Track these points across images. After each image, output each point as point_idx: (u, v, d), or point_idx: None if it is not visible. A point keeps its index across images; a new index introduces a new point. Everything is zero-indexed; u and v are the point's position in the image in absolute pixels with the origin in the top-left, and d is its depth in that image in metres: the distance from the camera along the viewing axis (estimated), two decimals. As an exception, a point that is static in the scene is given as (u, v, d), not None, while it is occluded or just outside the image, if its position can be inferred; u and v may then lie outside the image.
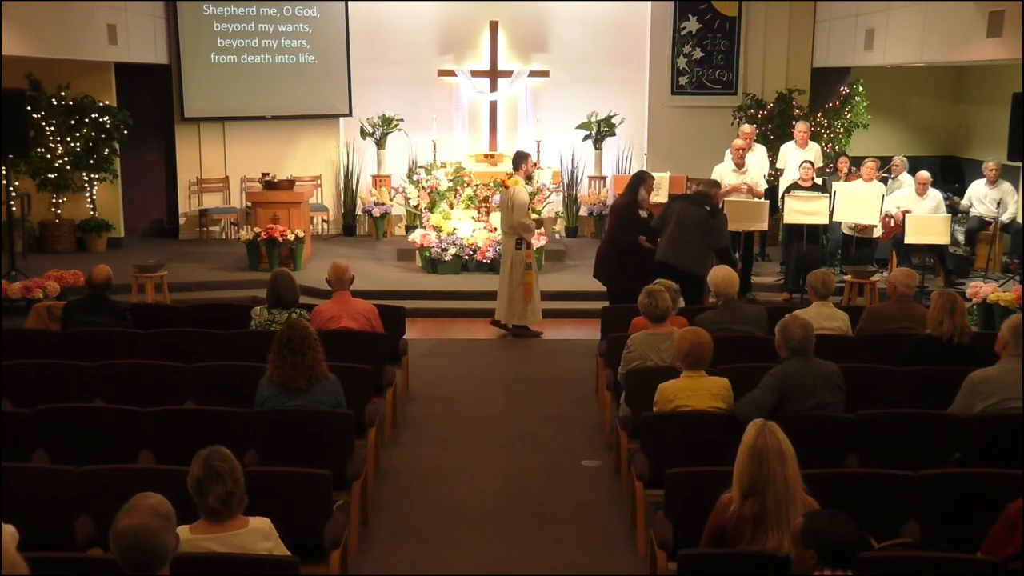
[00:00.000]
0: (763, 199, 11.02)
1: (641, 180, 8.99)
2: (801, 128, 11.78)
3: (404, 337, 7.81)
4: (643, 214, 8.94)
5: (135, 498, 3.00)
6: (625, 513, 5.69)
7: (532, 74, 13.98)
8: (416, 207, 12.66)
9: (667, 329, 5.97)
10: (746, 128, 11.64)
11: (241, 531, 3.54)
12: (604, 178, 14.00)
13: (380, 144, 13.86)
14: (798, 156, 11.50)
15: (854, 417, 5.06)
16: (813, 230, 10.45)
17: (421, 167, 13.01)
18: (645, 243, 8.68)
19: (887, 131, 14.18)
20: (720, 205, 9.10)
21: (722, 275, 6.62)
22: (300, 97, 13.73)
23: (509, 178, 9.52)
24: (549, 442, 6.90)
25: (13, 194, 11.27)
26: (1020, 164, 10.70)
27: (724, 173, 10.96)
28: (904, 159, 11.91)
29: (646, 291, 6.05)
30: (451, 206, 12.24)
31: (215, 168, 13.91)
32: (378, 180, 13.83)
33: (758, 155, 11.50)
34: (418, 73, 13.99)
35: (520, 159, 9.50)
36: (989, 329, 8.70)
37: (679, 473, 4.41)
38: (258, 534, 3.58)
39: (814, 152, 11.69)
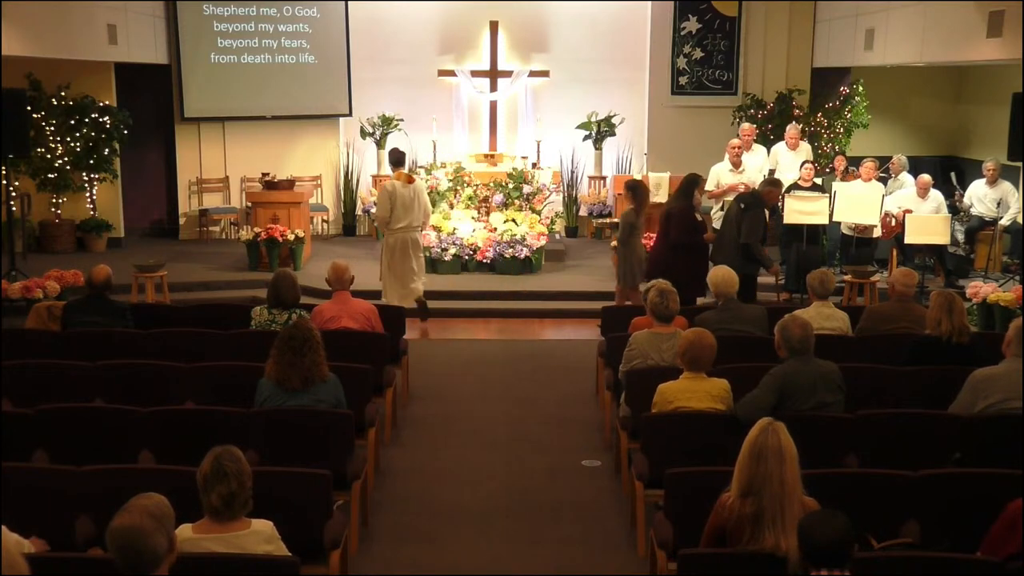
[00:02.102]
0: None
1: (695, 183, 8.85)
2: (791, 132, 11.80)
3: (404, 337, 7.81)
4: (698, 216, 8.85)
5: (134, 498, 3.02)
6: (625, 513, 5.69)
7: (532, 74, 13.98)
8: (416, 207, 12.64)
9: (670, 329, 5.97)
10: (745, 127, 11.64)
11: (243, 532, 3.55)
12: (604, 178, 14.00)
13: (380, 144, 13.86)
14: (789, 157, 11.53)
15: (854, 417, 5.06)
16: (813, 230, 10.44)
17: (421, 167, 13.01)
18: (711, 238, 8.66)
19: (887, 131, 14.18)
20: (746, 202, 8.87)
21: (721, 275, 6.62)
22: (300, 97, 13.74)
23: (402, 175, 9.62)
24: (549, 442, 6.90)
25: (13, 194, 11.27)
26: (1020, 164, 10.71)
27: (721, 173, 10.96)
28: (903, 158, 11.91)
29: (658, 290, 6.03)
30: (451, 206, 12.24)
31: (215, 168, 13.91)
32: (378, 180, 13.80)
33: (758, 155, 11.50)
34: (418, 73, 13.99)
35: (402, 155, 9.84)
36: (989, 329, 8.71)
37: (679, 473, 4.41)
38: (259, 536, 3.58)
39: (806, 151, 11.71)
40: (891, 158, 11.97)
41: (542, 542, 5.42)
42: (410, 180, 9.64)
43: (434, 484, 6.17)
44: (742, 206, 8.62)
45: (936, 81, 14.20)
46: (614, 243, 9.49)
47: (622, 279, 9.23)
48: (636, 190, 9.07)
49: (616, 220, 10.04)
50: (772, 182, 9.16)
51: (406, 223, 9.55)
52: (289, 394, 5.08)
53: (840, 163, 11.68)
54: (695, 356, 5.14)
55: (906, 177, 11.57)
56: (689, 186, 8.83)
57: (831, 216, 10.60)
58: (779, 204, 10.81)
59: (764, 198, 8.81)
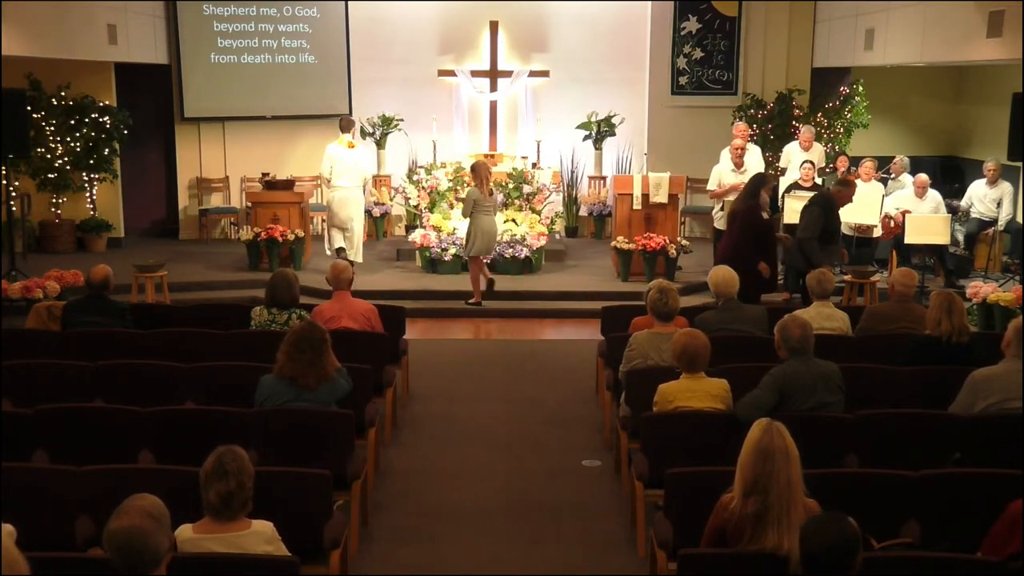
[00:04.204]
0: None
1: (760, 183, 8.81)
2: (805, 134, 11.79)
3: (404, 337, 7.81)
4: (764, 215, 8.76)
5: (128, 499, 3.01)
6: (625, 513, 5.69)
7: (532, 74, 13.98)
8: (416, 207, 12.66)
9: (670, 329, 5.95)
10: (741, 125, 11.63)
11: (243, 533, 3.55)
12: (604, 178, 14.00)
13: (380, 144, 13.86)
14: (801, 157, 11.51)
15: (854, 417, 5.05)
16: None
17: (421, 167, 13.01)
18: (764, 270, 8.52)
19: (887, 131, 14.18)
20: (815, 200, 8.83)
21: (721, 275, 6.62)
22: (300, 97, 13.74)
23: (343, 140, 11.45)
24: (549, 442, 6.90)
25: (13, 194, 11.27)
26: (1020, 164, 10.71)
27: (723, 173, 10.96)
28: (905, 159, 11.91)
29: (659, 288, 6.02)
30: (451, 206, 12.23)
31: (215, 168, 13.92)
32: (378, 180, 13.83)
33: (754, 155, 11.50)
34: (418, 73, 13.99)
35: (349, 123, 11.69)
36: (989, 329, 8.71)
37: (679, 473, 4.41)
38: (260, 537, 3.58)
39: (817, 153, 11.71)
40: (892, 159, 11.96)
41: (542, 542, 5.42)
42: (351, 146, 11.40)
43: (434, 484, 6.17)
44: (813, 204, 8.59)
45: (936, 81, 14.20)
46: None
47: (462, 248, 10.74)
48: (475, 169, 10.51)
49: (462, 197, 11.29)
50: (844, 182, 8.98)
51: (344, 182, 11.32)
52: (296, 391, 5.08)
53: (843, 163, 11.69)
54: (691, 357, 5.13)
55: (906, 178, 11.57)
56: (755, 186, 8.81)
57: (831, 216, 10.57)
58: (779, 205, 10.82)
59: (834, 197, 8.71)
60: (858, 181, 10.89)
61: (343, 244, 11.47)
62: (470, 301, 10.49)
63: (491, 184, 10.54)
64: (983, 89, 13.53)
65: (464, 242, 10.57)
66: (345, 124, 11.59)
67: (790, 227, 10.41)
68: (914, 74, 13.79)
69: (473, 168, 10.62)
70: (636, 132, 14.12)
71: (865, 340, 6.57)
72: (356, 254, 11.44)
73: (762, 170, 11.47)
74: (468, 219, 10.38)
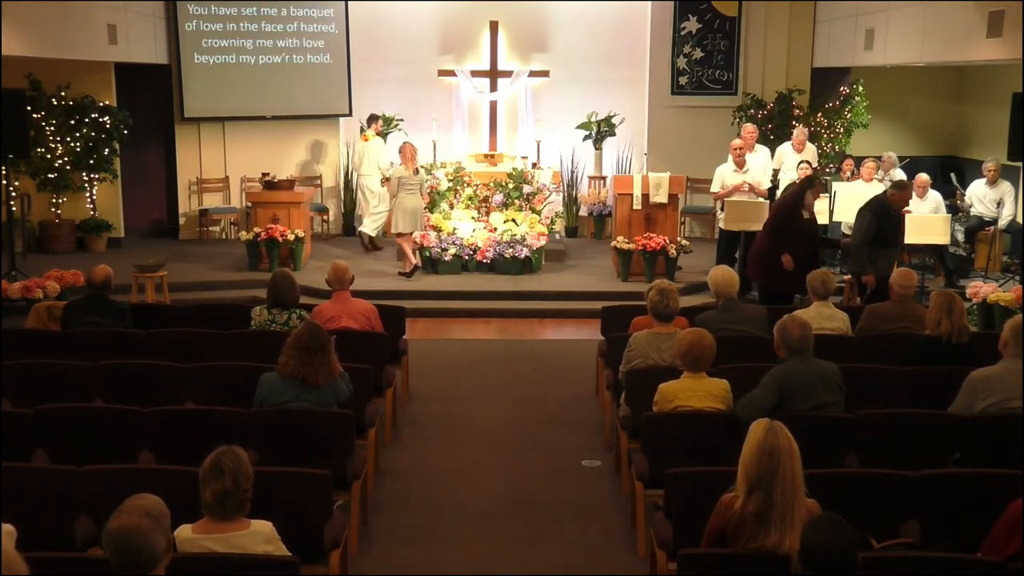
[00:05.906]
0: (766, 199, 11.04)
1: (810, 184, 8.73)
2: (799, 136, 11.79)
3: (404, 337, 7.81)
4: (805, 215, 8.58)
5: (128, 499, 3.01)
6: (625, 513, 5.69)
7: (532, 74, 13.98)
8: (416, 207, 12.66)
9: (670, 329, 5.95)
10: (748, 127, 11.64)
11: (242, 533, 3.55)
12: (604, 178, 14.00)
13: (380, 144, 13.87)
14: (794, 158, 11.53)
15: (854, 417, 5.06)
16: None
17: (421, 167, 13.00)
18: (787, 262, 8.39)
19: (887, 131, 14.18)
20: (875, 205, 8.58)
21: (722, 275, 6.61)
22: (300, 97, 13.74)
23: (362, 133, 13.03)
24: (549, 442, 6.90)
25: (13, 194, 11.27)
26: (1020, 164, 10.71)
27: (726, 173, 10.97)
28: (892, 155, 11.92)
29: (659, 289, 6.02)
30: (451, 206, 12.24)
31: (215, 168, 13.92)
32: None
33: (761, 155, 11.50)
34: (418, 73, 14.00)
35: (371, 117, 13.08)
36: (989, 329, 8.71)
37: (679, 473, 4.41)
38: (259, 537, 3.58)
39: (810, 154, 11.72)
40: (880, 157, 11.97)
41: (542, 542, 5.42)
42: (365, 139, 12.96)
43: (434, 484, 6.17)
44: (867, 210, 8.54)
45: (936, 81, 14.20)
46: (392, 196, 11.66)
47: (392, 225, 11.64)
48: (401, 150, 11.46)
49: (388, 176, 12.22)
50: (900, 185, 8.73)
51: (362, 170, 13.04)
52: (297, 391, 5.07)
53: (848, 166, 11.70)
54: (696, 357, 5.13)
55: (898, 173, 11.57)
56: (801, 187, 8.73)
57: (831, 215, 10.59)
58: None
59: (888, 201, 8.45)
60: (859, 181, 10.92)
61: (364, 229, 12.91)
62: (401, 272, 11.29)
63: (416, 164, 11.40)
64: (983, 89, 13.54)
65: (393, 221, 11.53)
66: (368, 119, 13.12)
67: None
68: (914, 74, 13.79)
69: (400, 149, 11.56)
70: (636, 132, 14.11)
71: (865, 340, 6.57)
72: (367, 227, 12.92)
73: (769, 172, 11.50)
74: (394, 197, 11.37)
